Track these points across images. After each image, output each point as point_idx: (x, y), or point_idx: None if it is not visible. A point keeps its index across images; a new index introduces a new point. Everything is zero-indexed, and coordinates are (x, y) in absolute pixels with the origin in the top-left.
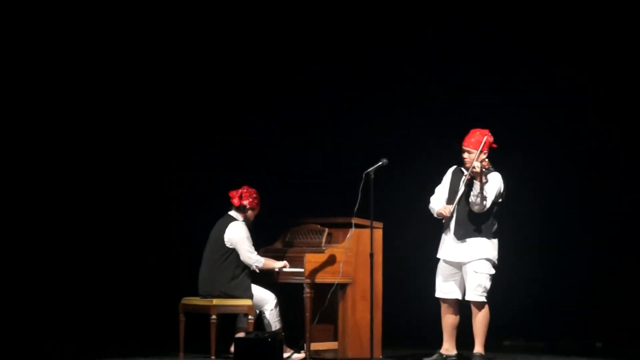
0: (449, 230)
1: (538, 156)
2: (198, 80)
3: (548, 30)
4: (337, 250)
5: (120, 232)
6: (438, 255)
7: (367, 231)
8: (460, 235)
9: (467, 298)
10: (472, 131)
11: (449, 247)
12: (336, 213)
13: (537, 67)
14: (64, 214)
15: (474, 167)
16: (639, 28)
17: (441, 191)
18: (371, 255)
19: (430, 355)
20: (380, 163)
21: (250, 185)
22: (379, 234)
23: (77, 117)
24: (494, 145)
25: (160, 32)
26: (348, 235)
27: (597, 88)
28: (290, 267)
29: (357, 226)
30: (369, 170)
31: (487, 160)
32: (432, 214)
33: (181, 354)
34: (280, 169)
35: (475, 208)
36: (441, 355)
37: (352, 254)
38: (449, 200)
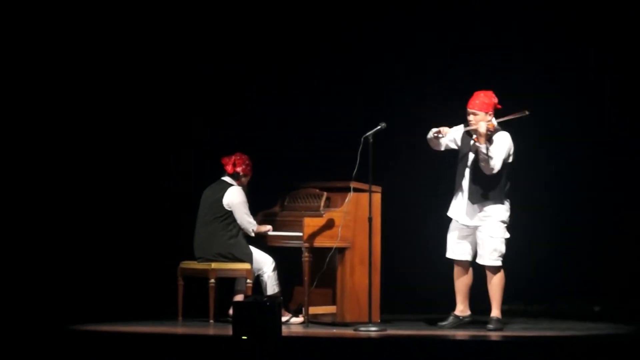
0: (462, 192)
1: (546, 118)
2: (195, 41)
3: None
4: (336, 214)
5: (118, 197)
6: (450, 215)
7: (365, 195)
8: (475, 199)
9: (482, 263)
10: (476, 93)
11: (462, 209)
12: (335, 177)
13: (539, 24)
14: (62, 180)
15: (479, 127)
16: None
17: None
18: (370, 219)
19: (443, 319)
20: (379, 127)
21: (249, 150)
22: (377, 198)
23: (71, 86)
24: (499, 106)
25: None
26: (347, 200)
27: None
28: (288, 231)
29: (356, 190)
30: (367, 134)
31: (492, 122)
32: (428, 145)
33: (180, 318)
34: (279, 133)
35: (484, 170)
36: (457, 317)
37: (350, 218)
38: (460, 160)
